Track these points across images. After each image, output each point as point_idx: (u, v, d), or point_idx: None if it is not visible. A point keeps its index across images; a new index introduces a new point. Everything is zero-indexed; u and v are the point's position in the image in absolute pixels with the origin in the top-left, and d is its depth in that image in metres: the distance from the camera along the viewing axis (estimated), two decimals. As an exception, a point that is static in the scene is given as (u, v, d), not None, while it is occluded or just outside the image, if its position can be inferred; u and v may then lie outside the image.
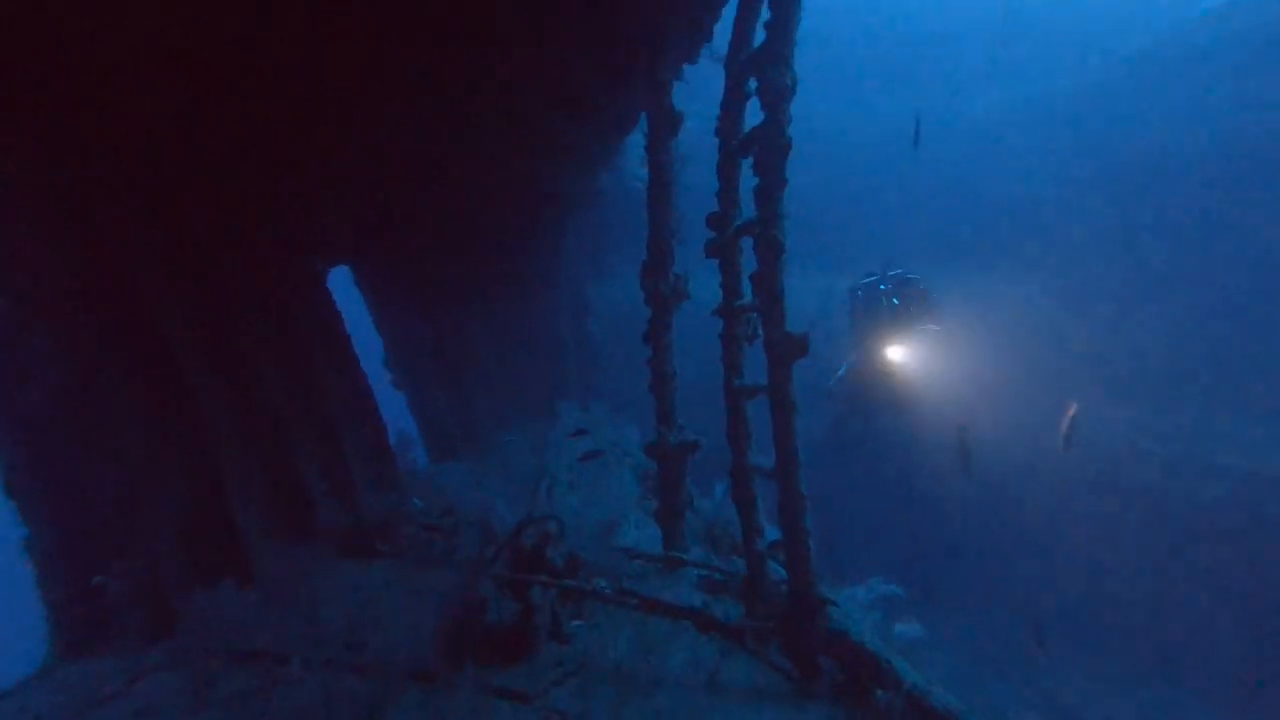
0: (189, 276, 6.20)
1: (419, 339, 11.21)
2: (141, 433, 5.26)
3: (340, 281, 9.95)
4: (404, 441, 9.63)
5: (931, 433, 13.12)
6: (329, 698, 4.16)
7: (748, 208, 4.90)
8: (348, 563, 6.29)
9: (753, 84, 4.79)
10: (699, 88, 8.69)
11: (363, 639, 4.84)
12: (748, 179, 4.91)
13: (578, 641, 4.89)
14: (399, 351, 11.26)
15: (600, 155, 9.50)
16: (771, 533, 5.24)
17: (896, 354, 10.90)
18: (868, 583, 5.22)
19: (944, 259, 16.20)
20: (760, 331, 5.18)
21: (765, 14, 4.58)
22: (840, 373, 12.09)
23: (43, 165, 4.97)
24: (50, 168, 4.98)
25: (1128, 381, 14.48)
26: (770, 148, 4.26)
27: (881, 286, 11.69)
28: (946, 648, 10.66)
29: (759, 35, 4.72)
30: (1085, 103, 19.04)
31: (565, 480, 7.68)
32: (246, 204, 6.88)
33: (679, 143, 6.23)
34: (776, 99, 4.35)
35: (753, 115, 4.93)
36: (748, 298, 5.08)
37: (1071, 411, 10.19)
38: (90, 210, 5.22)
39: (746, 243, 5.06)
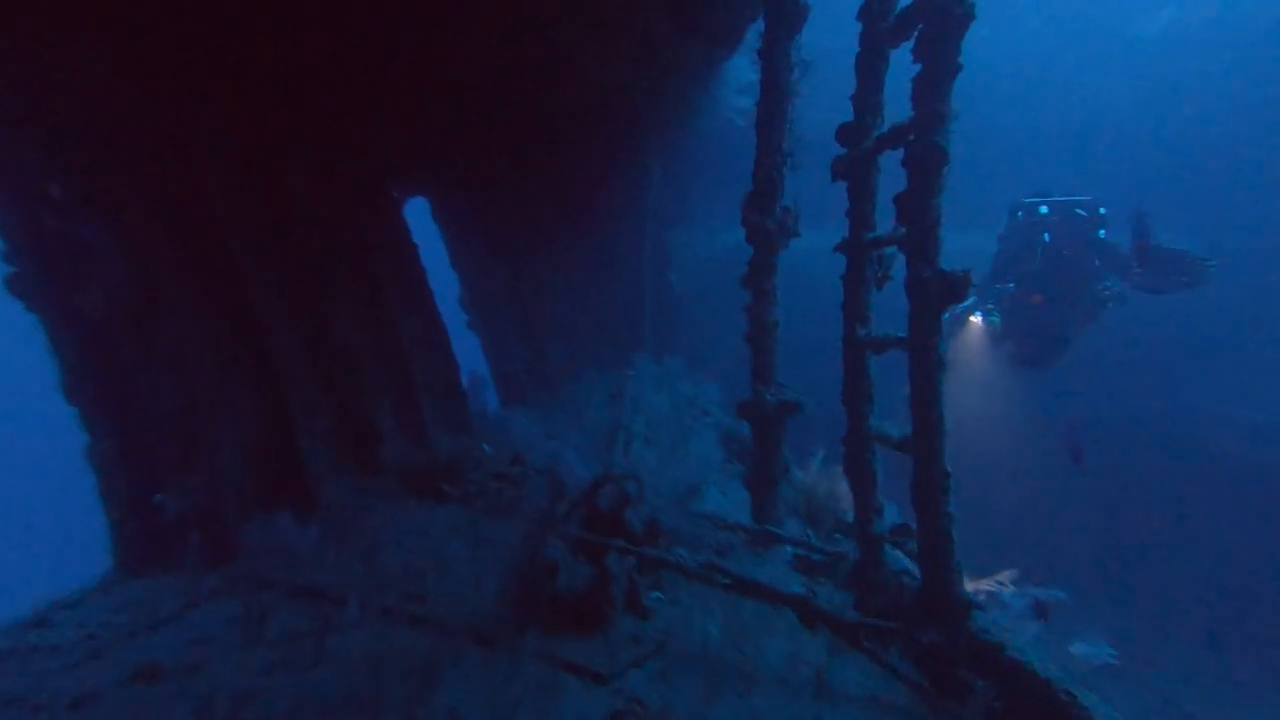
0: (258, 188, 5.84)
1: (494, 280, 10.78)
2: (204, 348, 4.98)
3: (419, 215, 9.56)
4: (476, 383, 9.29)
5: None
6: (383, 650, 3.74)
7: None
8: (412, 503, 5.94)
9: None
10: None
11: (422, 588, 4.43)
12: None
13: (657, 617, 4.28)
14: (474, 292, 10.88)
15: (703, 73, 8.48)
16: (890, 513, 4.41)
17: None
18: (1010, 581, 4.38)
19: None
20: (892, 272, 4.24)
21: None
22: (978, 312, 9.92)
23: (114, 58, 4.61)
24: (122, 62, 4.62)
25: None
26: (942, 17, 3.24)
27: (1079, 212, 9.05)
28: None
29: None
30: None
31: (642, 435, 7.06)
32: (320, 122, 6.44)
33: (801, 45, 5.20)
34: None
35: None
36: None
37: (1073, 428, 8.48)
38: (158, 106, 4.85)
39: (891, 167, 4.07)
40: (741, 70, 10.52)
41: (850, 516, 5.15)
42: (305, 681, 3.47)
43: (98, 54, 4.37)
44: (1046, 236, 9.02)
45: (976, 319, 10.46)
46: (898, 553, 4.29)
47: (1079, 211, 9.23)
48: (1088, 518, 12.96)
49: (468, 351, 9.73)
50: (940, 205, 3.47)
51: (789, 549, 4.99)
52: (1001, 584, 4.72)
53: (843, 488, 5.49)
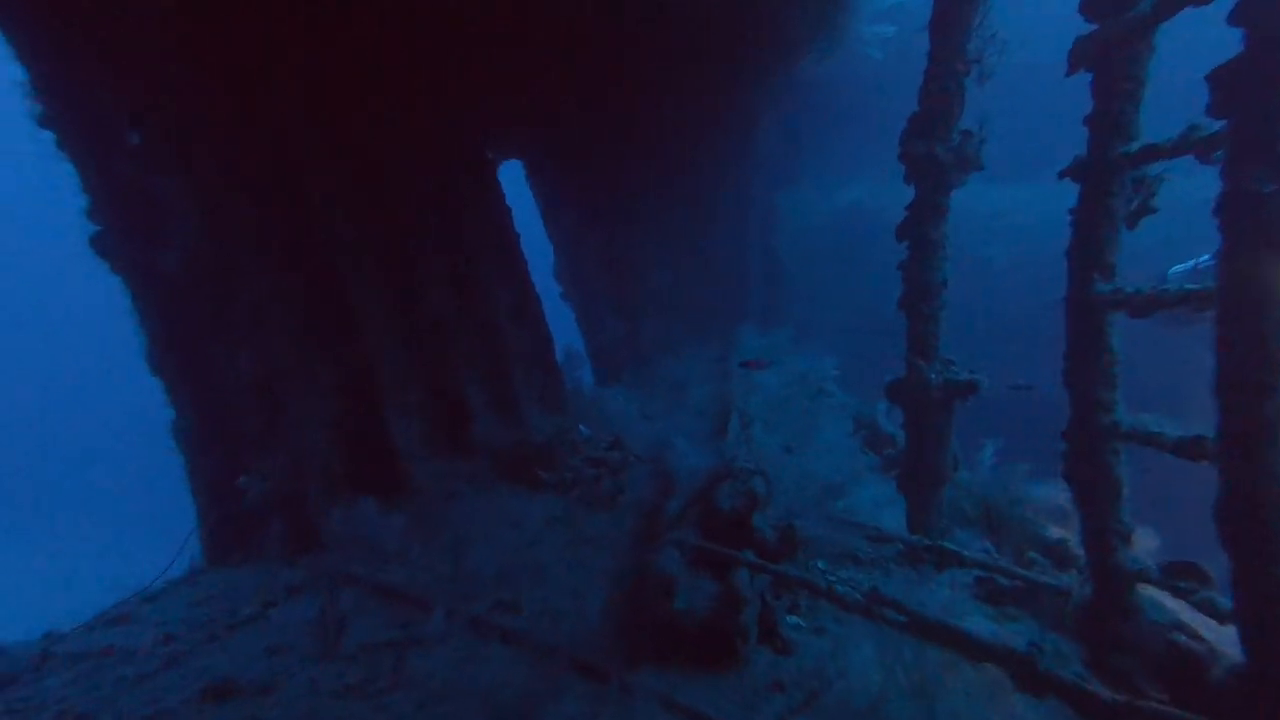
0: (345, 145, 5.37)
1: (590, 248, 10.10)
2: (284, 315, 4.57)
3: (512, 178, 8.99)
4: (571, 359, 8.67)
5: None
6: (470, 677, 3.12)
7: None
8: (504, 489, 5.39)
9: None
10: None
11: (516, 596, 3.80)
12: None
13: (799, 651, 3.40)
14: (568, 260, 10.27)
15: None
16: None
17: None
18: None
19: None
20: (1154, 203, 3.00)
21: None
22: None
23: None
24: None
25: None
26: None
27: None
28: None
29: None
30: None
31: (761, 418, 6.13)
32: (415, 77, 5.88)
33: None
34: None
35: None
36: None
37: None
38: (238, 54, 4.40)
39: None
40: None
41: (1053, 534, 3.99)
42: (379, 710, 2.91)
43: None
44: None
45: None
46: (1150, 590, 3.09)
47: None
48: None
49: (562, 324, 9.16)
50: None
51: (957, 569, 3.91)
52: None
53: (1034, 493, 4.32)
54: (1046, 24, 6.50)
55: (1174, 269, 7.29)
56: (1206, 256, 7.56)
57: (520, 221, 7.78)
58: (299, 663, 3.22)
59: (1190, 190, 3.03)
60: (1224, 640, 2.71)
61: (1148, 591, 2.91)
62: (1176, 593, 2.69)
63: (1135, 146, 2.81)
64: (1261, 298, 2.11)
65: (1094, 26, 2.96)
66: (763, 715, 2.89)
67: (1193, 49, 3.58)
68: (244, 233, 4.40)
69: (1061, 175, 3.12)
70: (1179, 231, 5.46)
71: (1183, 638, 2.71)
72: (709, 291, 11.27)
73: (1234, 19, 2.11)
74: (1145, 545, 3.00)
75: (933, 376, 4.33)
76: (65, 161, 4.14)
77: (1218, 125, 2.30)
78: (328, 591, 3.54)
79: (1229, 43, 2.19)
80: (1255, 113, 2.08)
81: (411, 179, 6.14)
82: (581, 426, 6.43)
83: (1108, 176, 2.92)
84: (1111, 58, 2.86)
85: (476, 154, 7.47)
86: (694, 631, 3.29)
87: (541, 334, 7.33)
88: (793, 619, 3.73)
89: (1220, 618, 2.52)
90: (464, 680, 3.14)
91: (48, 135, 4.07)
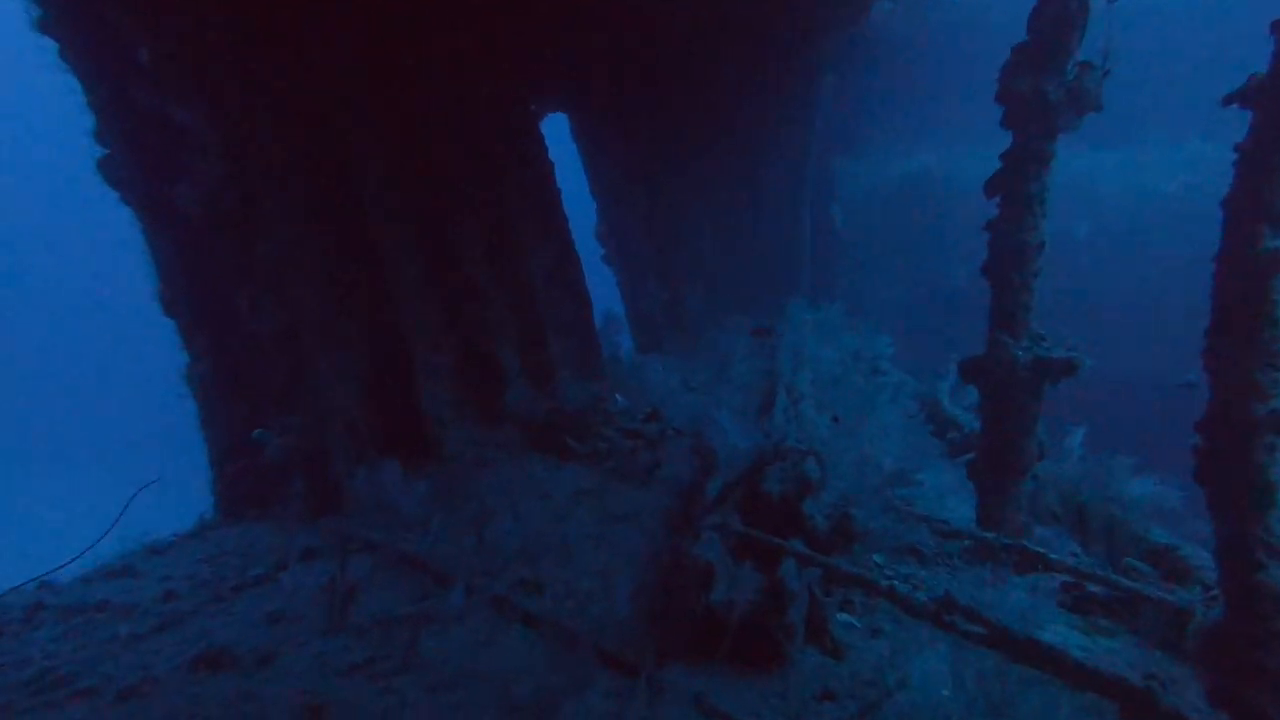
0: (383, 87, 5.04)
1: (634, 209, 9.62)
2: (312, 266, 4.32)
3: (555, 132, 8.54)
4: (610, 323, 8.31)
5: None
6: (486, 662, 2.85)
7: None
8: (535, 459, 5.10)
9: None
10: None
11: (540, 575, 3.51)
12: None
13: (852, 656, 3.00)
14: (612, 221, 9.82)
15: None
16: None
17: None
18: None
19: None
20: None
21: None
22: None
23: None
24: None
25: None
26: None
27: None
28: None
29: None
30: None
31: (810, 395, 5.65)
32: (457, 20, 5.47)
33: None
34: None
35: None
36: None
37: None
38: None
39: None
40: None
41: (1159, 538, 3.45)
42: (386, 694, 2.65)
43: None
44: None
45: None
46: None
47: None
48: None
49: (602, 288, 8.78)
50: None
51: (1043, 573, 3.41)
52: None
53: (1135, 490, 3.75)
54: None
55: None
56: None
57: (562, 178, 7.39)
58: (305, 633, 3.01)
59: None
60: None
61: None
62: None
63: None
64: None
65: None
66: (809, 729, 2.51)
67: None
68: (271, 176, 4.12)
69: (1227, 101, 2.50)
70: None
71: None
72: (759, 260, 10.68)
73: None
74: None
75: (1020, 354, 3.78)
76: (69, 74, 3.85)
77: None
78: (340, 558, 3.31)
79: None
80: None
81: (450, 129, 5.78)
82: (618, 396, 6.08)
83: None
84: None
85: (519, 105, 7.07)
86: (733, 626, 2.93)
87: (580, 297, 6.98)
88: (844, 617, 3.33)
89: None
90: (479, 666, 2.87)
91: (50, 43, 3.79)
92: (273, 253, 4.02)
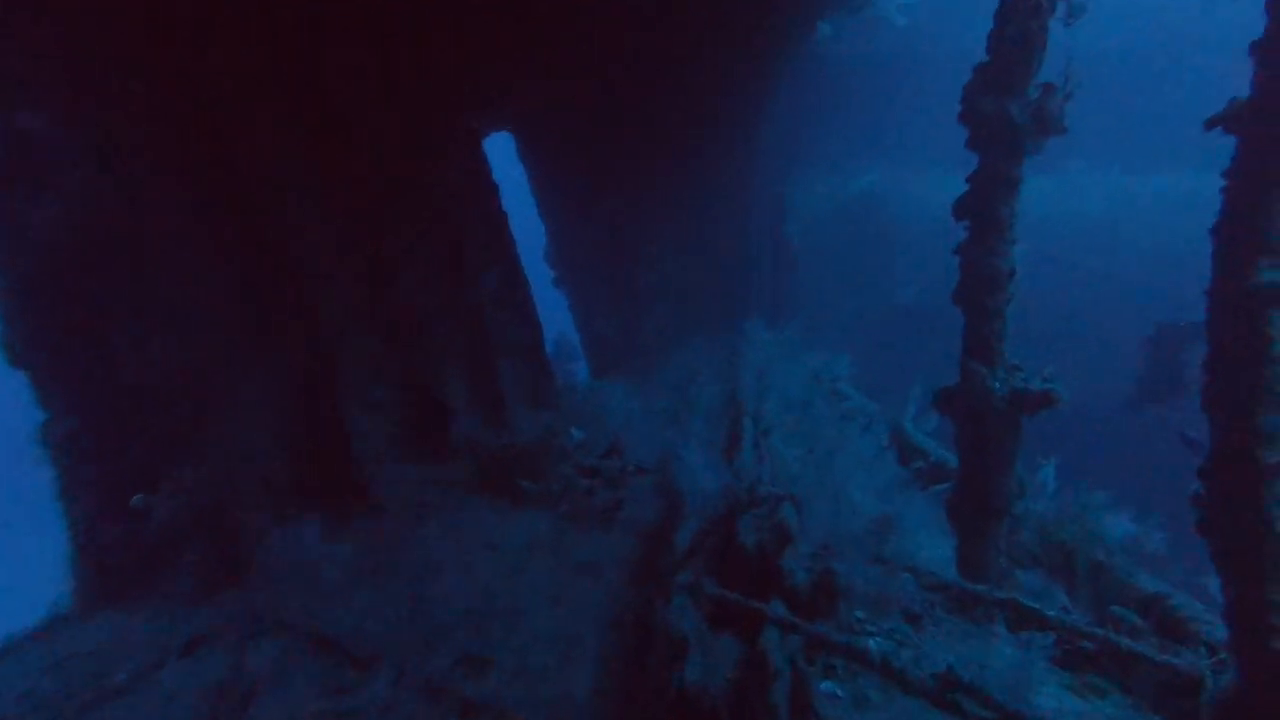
0: (303, 100, 4.55)
1: (587, 229, 9.29)
2: (221, 295, 3.76)
3: (500, 152, 8.15)
4: (563, 349, 7.89)
5: None
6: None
7: None
8: (482, 503, 4.63)
9: None
10: None
11: (487, 648, 3.06)
12: None
13: (841, 735, 2.68)
14: (562, 243, 9.46)
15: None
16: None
17: None
18: None
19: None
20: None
21: None
22: None
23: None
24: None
25: None
26: None
27: None
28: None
29: None
30: None
31: (779, 425, 5.38)
32: (388, 28, 5.04)
33: None
34: None
35: None
36: None
37: None
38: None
39: None
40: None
41: (1146, 585, 3.28)
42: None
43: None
44: None
45: None
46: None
47: None
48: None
49: (553, 312, 8.38)
50: None
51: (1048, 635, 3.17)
52: None
53: (1112, 529, 3.59)
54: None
55: None
56: None
57: (508, 199, 6.99)
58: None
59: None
60: None
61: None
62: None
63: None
64: None
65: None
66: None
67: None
68: (161, 191, 3.55)
69: (1210, 125, 2.35)
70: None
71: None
72: (715, 280, 10.49)
73: None
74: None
75: (995, 385, 3.60)
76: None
77: None
78: (240, 645, 2.78)
79: None
80: None
81: (382, 145, 5.31)
82: (574, 430, 5.67)
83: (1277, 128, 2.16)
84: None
85: (461, 125, 6.65)
86: (711, 712, 2.57)
87: (530, 320, 6.56)
88: (828, 685, 3.00)
89: None
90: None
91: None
92: (164, 282, 3.43)
